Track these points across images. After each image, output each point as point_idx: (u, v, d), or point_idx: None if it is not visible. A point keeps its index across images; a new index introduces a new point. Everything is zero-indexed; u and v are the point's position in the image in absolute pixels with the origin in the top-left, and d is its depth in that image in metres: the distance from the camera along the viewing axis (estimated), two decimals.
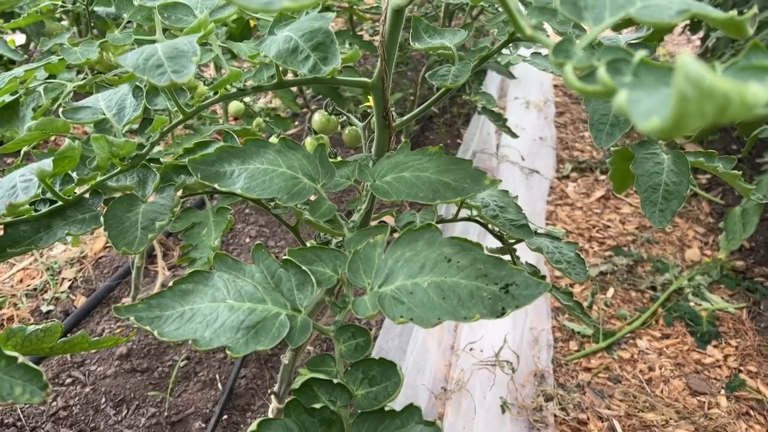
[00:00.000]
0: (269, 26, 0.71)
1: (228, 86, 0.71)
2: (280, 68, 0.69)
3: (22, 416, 1.28)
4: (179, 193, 0.75)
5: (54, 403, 1.32)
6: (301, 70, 0.60)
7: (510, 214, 0.89)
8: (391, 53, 0.71)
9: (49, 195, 0.70)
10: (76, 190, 0.71)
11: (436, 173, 0.65)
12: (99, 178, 0.69)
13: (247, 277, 0.57)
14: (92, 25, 1.50)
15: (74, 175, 0.71)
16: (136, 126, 0.77)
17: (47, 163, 0.57)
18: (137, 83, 0.73)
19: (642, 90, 0.27)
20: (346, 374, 0.55)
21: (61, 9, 1.49)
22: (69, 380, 1.38)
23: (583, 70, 0.33)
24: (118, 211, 0.68)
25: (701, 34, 3.79)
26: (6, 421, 1.27)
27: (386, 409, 0.53)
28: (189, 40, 0.55)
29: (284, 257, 0.58)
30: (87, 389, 1.36)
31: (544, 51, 1.62)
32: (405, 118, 0.78)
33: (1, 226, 0.67)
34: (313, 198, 0.66)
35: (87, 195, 0.71)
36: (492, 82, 3.55)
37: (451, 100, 3.20)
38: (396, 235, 0.60)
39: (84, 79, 1.27)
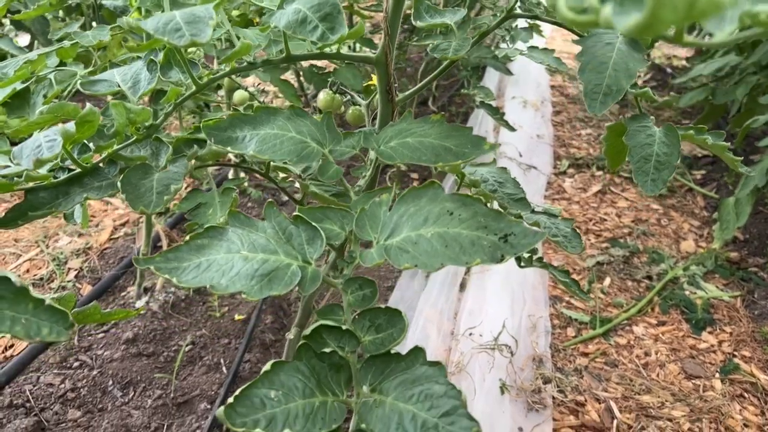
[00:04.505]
0: (279, 2, 0.75)
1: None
2: (288, 42, 0.73)
3: (31, 398, 1.31)
4: (192, 162, 0.78)
5: (62, 386, 1.35)
6: (310, 38, 0.64)
7: (508, 189, 0.93)
8: (394, 29, 0.75)
9: (67, 164, 0.73)
10: (92, 160, 0.74)
11: (438, 139, 0.68)
12: (115, 147, 0.72)
13: (260, 232, 0.60)
14: (99, 16, 1.54)
15: (91, 145, 0.75)
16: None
17: (71, 125, 0.60)
18: (152, 57, 0.76)
19: (627, 5, 0.30)
20: (354, 322, 0.58)
21: (70, 1, 1.53)
22: (76, 364, 1.41)
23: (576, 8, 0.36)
24: (133, 178, 0.71)
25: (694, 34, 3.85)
26: (15, 402, 1.29)
27: (392, 352, 0.55)
28: (205, 7, 0.59)
29: (294, 214, 0.61)
30: (94, 372, 1.38)
31: (541, 45, 1.65)
32: (408, 93, 0.81)
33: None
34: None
35: (103, 164, 0.75)
36: (490, 81, 3.60)
37: (450, 99, 3.24)
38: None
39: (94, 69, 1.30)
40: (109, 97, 0.73)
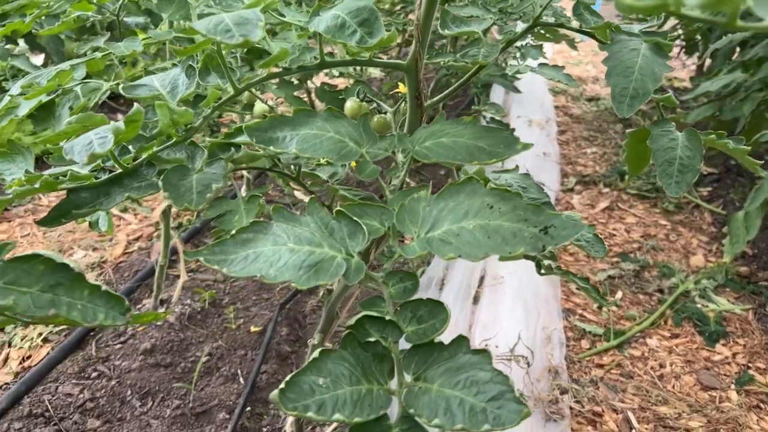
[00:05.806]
0: (312, 10, 0.77)
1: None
2: (323, 49, 0.75)
3: (50, 407, 1.31)
4: (230, 165, 0.80)
5: (81, 396, 1.35)
6: (348, 42, 0.66)
7: (532, 194, 0.94)
8: (425, 35, 0.77)
9: (108, 164, 0.75)
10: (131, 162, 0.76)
11: (472, 139, 0.70)
12: (155, 149, 0.74)
13: (304, 226, 0.61)
14: (121, 34, 1.57)
15: (130, 147, 0.77)
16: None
17: (121, 123, 0.62)
18: (190, 63, 0.79)
19: None
20: (396, 314, 0.59)
21: (92, 18, 1.57)
22: (95, 374, 1.41)
23: None
24: (172, 179, 0.73)
25: (695, 58, 3.91)
26: (35, 411, 1.30)
27: (435, 341, 0.57)
28: (252, 10, 0.61)
29: (336, 209, 0.63)
30: (113, 382, 1.39)
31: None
32: (436, 98, 0.83)
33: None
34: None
35: (142, 166, 0.77)
36: (495, 101, 3.64)
37: (458, 117, 3.28)
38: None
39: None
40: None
